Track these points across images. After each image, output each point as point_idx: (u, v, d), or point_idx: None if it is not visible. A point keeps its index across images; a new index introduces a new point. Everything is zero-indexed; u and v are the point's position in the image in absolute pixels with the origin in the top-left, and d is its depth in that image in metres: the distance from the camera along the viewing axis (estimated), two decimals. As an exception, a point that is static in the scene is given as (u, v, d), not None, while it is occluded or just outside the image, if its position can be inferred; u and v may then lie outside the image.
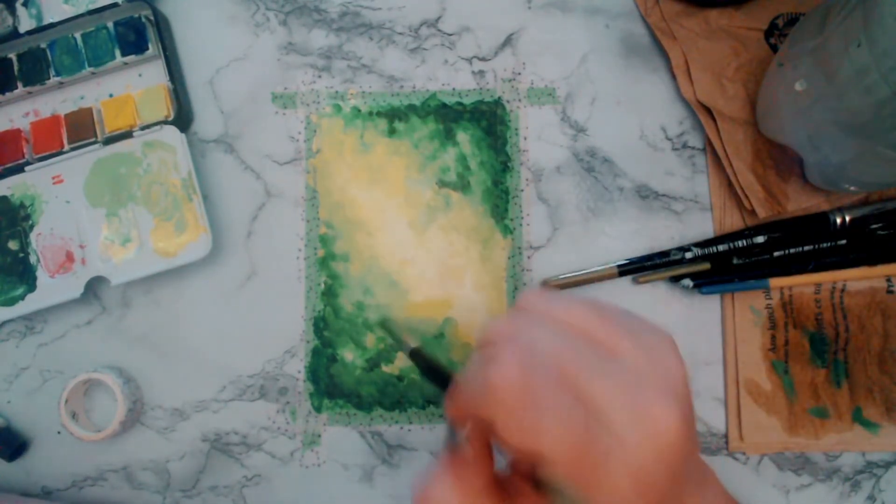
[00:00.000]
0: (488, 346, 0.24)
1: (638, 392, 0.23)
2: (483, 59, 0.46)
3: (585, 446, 0.22)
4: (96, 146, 0.44)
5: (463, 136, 0.45)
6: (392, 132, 0.45)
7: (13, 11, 0.45)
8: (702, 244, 0.42)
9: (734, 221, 0.43)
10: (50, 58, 0.45)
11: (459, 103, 0.45)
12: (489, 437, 0.26)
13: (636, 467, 0.22)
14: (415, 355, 0.32)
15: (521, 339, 0.24)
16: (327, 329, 0.44)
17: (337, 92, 0.46)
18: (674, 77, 0.44)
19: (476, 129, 0.45)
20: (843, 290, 0.43)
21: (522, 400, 0.22)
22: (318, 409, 0.44)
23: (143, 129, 0.44)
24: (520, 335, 0.24)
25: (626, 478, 0.22)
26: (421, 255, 0.44)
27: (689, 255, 0.42)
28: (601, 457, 0.22)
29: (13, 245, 0.44)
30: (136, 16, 0.45)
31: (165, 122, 0.44)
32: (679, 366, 0.25)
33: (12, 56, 0.45)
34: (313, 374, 0.44)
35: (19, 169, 0.44)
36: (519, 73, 0.46)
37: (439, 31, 0.46)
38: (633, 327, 0.25)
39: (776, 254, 0.42)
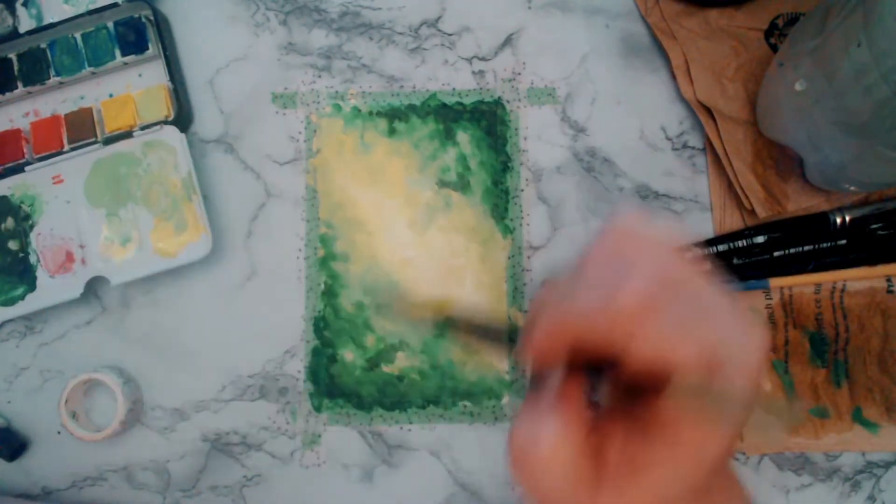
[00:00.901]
0: (593, 267, 0.24)
1: (738, 314, 0.24)
2: (483, 59, 0.46)
3: (713, 350, 0.22)
4: (96, 146, 0.44)
5: (463, 136, 0.45)
6: (392, 132, 0.45)
7: (13, 11, 0.45)
8: (702, 244, 0.42)
9: (734, 221, 0.43)
10: (50, 58, 0.45)
11: (459, 103, 0.45)
12: (582, 376, 0.25)
13: (751, 368, 0.23)
14: (460, 322, 0.28)
15: (633, 261, 0.24)
16: (327, 329, 0.44)
17: (337, 92, 0.46)
18: (674, 77, 0.44)
19: (476, 129, 0.45)
20: (843, 290, 0.43)
21: (656, 310, 0.22)
22: (318, 409, 0.44)
23: (143, 129, 0.44)
24: (627, 257, 0.24)
25: (743, 379, 0.23)
26: (421, 255, 0.44)
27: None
28: (723, 359, 0.22)
29: (13, 245, 0.44)
30: (136, 16, 0.45)
31: (165, 122, 0.44)
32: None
33: (12, 56, 0.45)
34: (313, 374, 0.44)
35: (19, 169, 0.44)
36: (519, 73, 0.46)
37: (439, 31, 0.46)
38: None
39: (776, 254, 0.42)
